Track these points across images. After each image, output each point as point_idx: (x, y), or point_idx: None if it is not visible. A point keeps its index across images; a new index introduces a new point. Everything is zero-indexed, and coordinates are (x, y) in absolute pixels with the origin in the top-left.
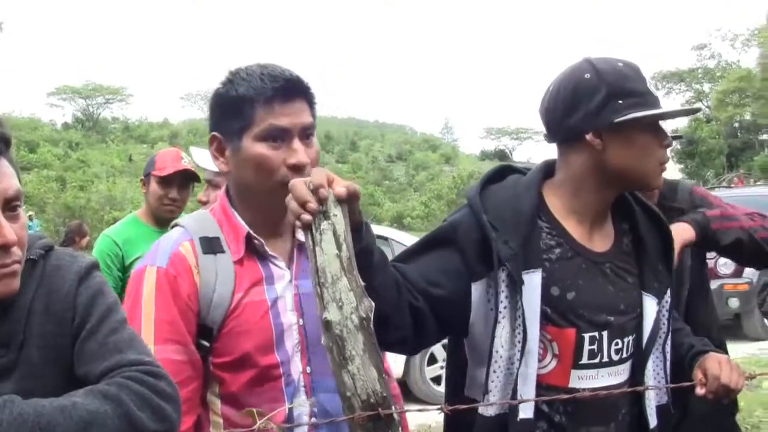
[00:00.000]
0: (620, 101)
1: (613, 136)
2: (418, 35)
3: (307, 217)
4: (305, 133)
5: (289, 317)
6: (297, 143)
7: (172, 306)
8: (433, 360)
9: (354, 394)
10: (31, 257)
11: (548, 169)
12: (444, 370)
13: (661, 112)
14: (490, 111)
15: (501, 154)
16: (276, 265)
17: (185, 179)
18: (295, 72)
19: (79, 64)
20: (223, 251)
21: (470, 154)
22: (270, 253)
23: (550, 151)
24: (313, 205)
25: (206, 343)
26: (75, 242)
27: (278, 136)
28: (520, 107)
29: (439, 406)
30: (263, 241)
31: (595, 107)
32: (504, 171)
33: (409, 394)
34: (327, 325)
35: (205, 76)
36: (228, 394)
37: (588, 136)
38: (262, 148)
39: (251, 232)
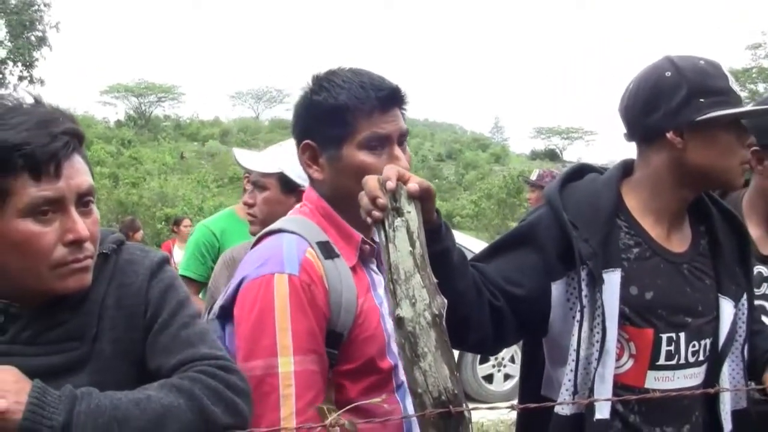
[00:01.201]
0: (702, 99)
1: (694, 134)
2: (469, 33)
3: (377, 213)
4: (401, 140)
5: (390, 322)
6: (398, 150)
7: (309, 315)
8: (485, 359)
9: (425, 391)
10: (104, 251)
11: (626, 168)
12: (495, 369)
13: (744, 111)
14: (540, 110)
15: (551, 154)
16: (373, 271)
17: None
18: (392, 80)
19: (131, 62)
20: (338, 256)
21: (520, 154)
22: (371, 258)
23: (600, 152)
24: (383, 200)
25: (334, 351)
26: (128, 237)
27: (380, 144)
28: (571, 107)
29: (510, 404)
30: (375, 246)
31: (676, 105)
32: (582, 170)
33: None
34: (399, 322)
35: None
36: (343, 401)
37: (668, 135)
38: (364, 156)
39: (364, 237)
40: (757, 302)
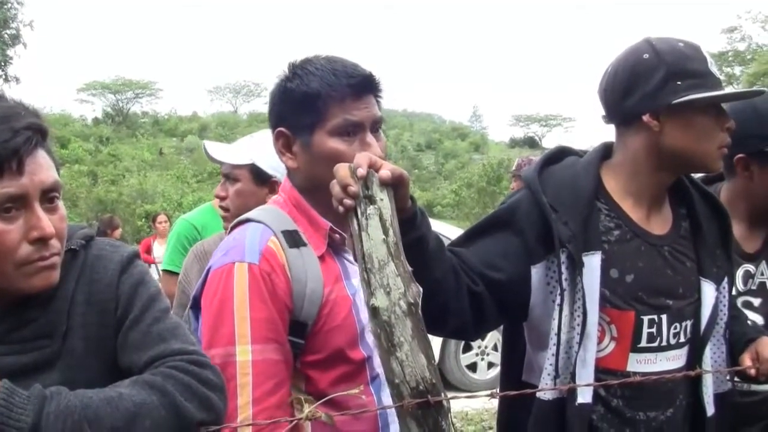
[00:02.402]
0: (679, 82)
1: (671, 117)
2: (444, 23)
3: (348, 201)
4: (375, 127)
5: (365, 312)
6: (370, 137)
7: (269, 304)
8: (468, 347)
9: (402, 381)
10: (72, 247)
11: (606, 151)
12: (478, 358)
13: (721, 94)
14: (518, 98)
15: (530, 141)
16: (348, 261)
17: None
18: (365, 67)
19: (108, 59)
20: (305, 245)
21: (499, 142)
22: (345, 247)
23: (579, 138)
24: (354, 188)
25: (299, 341)
26: (107, 235)
27: (351, 131)
28: (549, 94)
29: (490, 392)
30: (345, 236)
31: (652, 88)
32: (562, 153)
33: (443, 381)
34: (374, 311)
35: (231, 70)
36: (314, 392)
37: (645, 117)
38: (336, 143)
39: (333, 226)
40: (743, 299)
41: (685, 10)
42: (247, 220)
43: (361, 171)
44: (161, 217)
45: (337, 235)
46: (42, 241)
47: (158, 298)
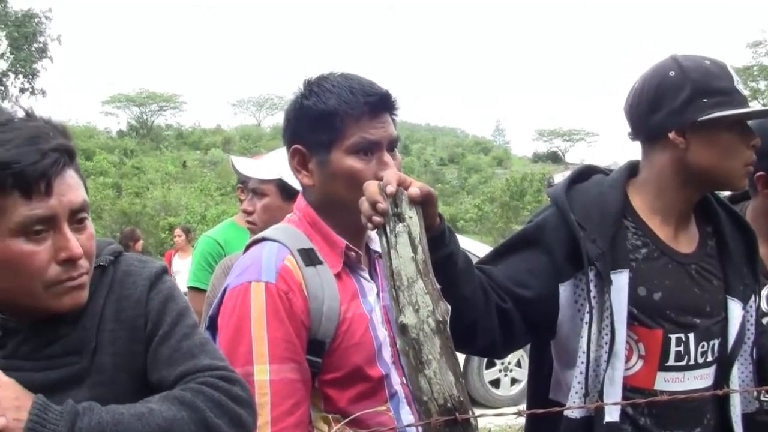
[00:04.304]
0: (705, 99)
1: (696, 134)
2: (470, 37)
3: (377, 218)
4: (391, 146)
5: (381, 330)
6: (387, 156)
7: (286, 323)
8: (491, 363)
9: (431, 399)
10: (101, 263)
11: (633, 169)
12: (501, 374)
13: (747, 111)
14: (541, 112)
15: (554, 156)
16: (364, 278)
17: None
18: (382, 86)
19: (132, 72)
20: (321, 263)
21: (522, 157)
22: (360, 265)
23: (602, 153)
24: (383, 205)
25: (317, 359)
26: (129, 247)
27: (368, 149)
28: (572, 108)
29: (517, 410)
30: (361, 253)
31: (678, 105)
32: (588, 171)
33: None
34: (403, 328)
35: (254, 83)
36: (333, 411)
37: (671, 135)
38: (353, 161)
39: (349, 244)
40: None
41: (710, 25)
42: (263, 239)
43: (391, 188)
44: (177, 231)
45: (353, 253)
46: (70, 262)
47: (187, 313)
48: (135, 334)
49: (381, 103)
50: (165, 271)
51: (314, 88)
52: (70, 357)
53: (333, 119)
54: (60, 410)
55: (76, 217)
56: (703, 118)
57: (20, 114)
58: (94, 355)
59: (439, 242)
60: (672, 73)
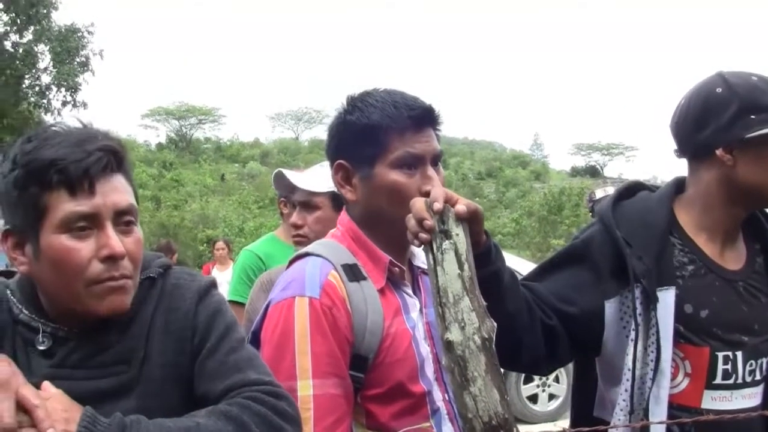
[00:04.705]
0: (752, 116)
1: (744, 151)
2: (507, 51)
3: (424, 235)
4: (435, 161)
5: (424, 346)
6: (431, 170)
7: (330, 338)
8: (529, 379)
9: (475, 416)
10: (151, 275)
11: (679, 186)
12: (539, 389)
13: None
14: (579, 126)
15: (592, 170)
16: (407, 294)
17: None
18: (425, 100)
19: (172, 86)
20: (365, 278)
21: (560, 171)
22: (404, 281)
23: (641, 167)
24: (429, 222)
25: (359, 375)
26: None
27: (413, 164)
28: (611, 122)
29: (562, 429)
30: (404, 269)
31: (726, 122)
32: (634, 187)
33: None
34: (449, 345)
35: (292, 97)
36: (375, 427)
37: (718, 152)
38: (397, 176)
39: (393, 259)
40: None
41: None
42: (307, 254)
43: (438, 205)
44: (219, 244)
45: (396, 269)
46: (112, 260)
47: (235, 328)
48: (183, 346)
49: (424, 117)
50: (214, 285)
51: (358, 103)
52: (119, 366)
53: (377, 133)
54: (108, 422)
55: (123, 219)
56: (751, 134)
57: (77, 125)
58: (142, 365)
59: (486, 259)
60: (719, 90)
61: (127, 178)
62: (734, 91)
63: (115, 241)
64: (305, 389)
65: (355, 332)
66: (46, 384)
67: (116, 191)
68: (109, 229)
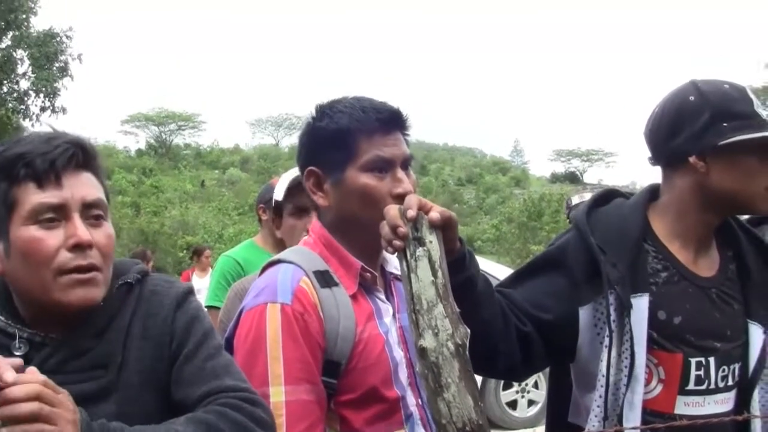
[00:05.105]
0: (725, 123)
1: (717, 159)
2: (487, 58)
3: (397, 242)
4: (405, 164)
5: (398, 351)
6: (401, 173)
7: (301, 344)
8: (508, 385)
9: (449, 422)
10: (128, 281)
11: (653, 193)
12: (518, 395)
13: (766, 135)
14: (559, 133)
15: (572, 177)
16: (380, 299)
17: None
18: (394, 104)
19: (151, 91)
20: (336, 284)
21: (540, 177)
22: (376, 286)
23: (621, 173)
24: (403, 229)
25: (332, 381)
26: None
27: (383, 167)
28: (590, 129)
29: None
30: (377, 275)
31: (698, 129)
32: (609, 194)
33: None
34: (422, 352)
35: (272, 103)
36: None
37: (691, 159)
38: (367, 179)
39: (365, 265)
40: None
41: (729, 45)
42: (279, 261)
43: (411, 213)
44: (207, 252)
45: (368, 274)
46: (79, 248)
47: (212, 334)
48: (160, 352)
49: (392, 120)
50: (191, 291)
51: (326, 110)
52: (96, 371)
53: (346, 138)
54: (97, 427)
55: (91, 213)
56: (724, 142)
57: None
58: (120, 371)
59: (460, 266)
60: (692, 98)
61: (97, 176)
62: (706, 99)
63: (81, 231)
64: (277, 395)
65: (327, 338)
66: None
67: (84, 185)
68: (77, 220)
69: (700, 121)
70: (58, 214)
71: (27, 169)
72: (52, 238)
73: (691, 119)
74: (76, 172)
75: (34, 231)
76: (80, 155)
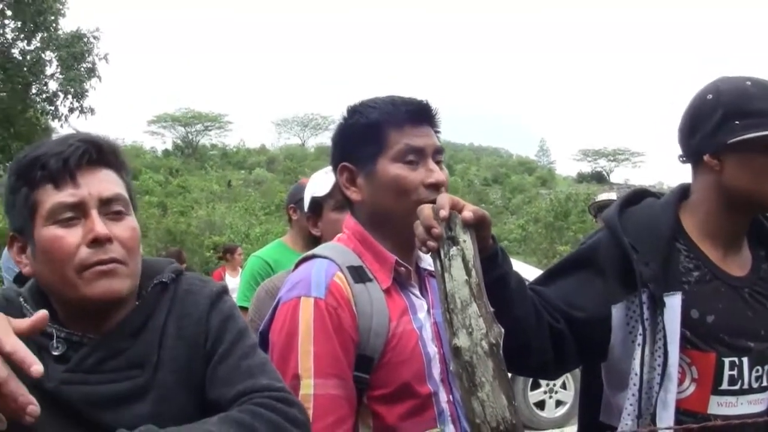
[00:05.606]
0: (737, 122)
1: (729, 157)
2: (512, 57)
3: (432, 243)
4: (436, 157)
5: (432, 347)
6: (433, 164)
7: (333, 339)
8: (536, 385)
9: (483, 421)
10: (163, 280)
11: (684, 192)
12: (546, 395)
13: None
14: (586, 132)
15: (598, 176)
16: (414, 295)
17: None
18: (423, 98)
19: (178, 92)
20: (371, 280)
21: (567, 177)
22: (411, 281)
23: (647, 173)
24: (437, 230)
25: (365, 376)
26: None
27: (414, 157)
28: (617, 128)
29: None
30: (411, 269)
31: (711, 128)
32: (640, 194)
33: None
34: (456, 351)
35: (298, 103)
36: (382, 428)
37: (706, 158)
38: (399, 169)
39: (399, 260)
40: None
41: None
42: (313, 256)
43: (444, 212)
44: (239, 250)
45: (403, 269)
46: (98, 243)
47: (247, 333)
48: (195, 352)
49: (421, 112)
50: (226, 291)
51: (357, 108)
52: (133, 370)
53: (376, 130)
54: None
55: (111, 208)
56: (733, 140)
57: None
58: (156, 370)
59: (493, 264)
60: (709, 96)
61: (118, 172)
62: (720, 98)
63: (99, 226)
64: (306, 388)
65: (360, 332)
66: None
67: (101, 182)
68: (94, 216)
69: (712, 119)
70: (76, 212)
71: (43, 171)
72: (72, 236)
73: (705, 118)
74: (92, 169)
75: (54, 230)
76: (93, 152)
